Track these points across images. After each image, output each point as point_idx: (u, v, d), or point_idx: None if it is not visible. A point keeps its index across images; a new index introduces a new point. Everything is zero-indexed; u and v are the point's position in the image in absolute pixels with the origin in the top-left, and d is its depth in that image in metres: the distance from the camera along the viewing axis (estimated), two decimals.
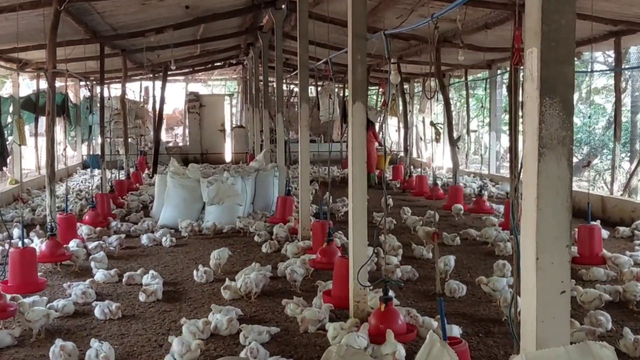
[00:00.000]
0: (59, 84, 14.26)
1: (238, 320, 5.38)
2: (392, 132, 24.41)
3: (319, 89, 18.14)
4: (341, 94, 21.40)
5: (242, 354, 4.64)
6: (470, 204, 11.77)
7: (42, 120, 13.32)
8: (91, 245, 8.29)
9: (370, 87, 22.25)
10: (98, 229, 9.57)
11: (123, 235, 8.90)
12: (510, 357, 3.96)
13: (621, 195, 11.12)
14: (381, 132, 18.29)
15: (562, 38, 2.98)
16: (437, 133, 15.39)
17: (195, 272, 7.10)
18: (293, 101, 21.96)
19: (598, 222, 8.25)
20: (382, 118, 19.28)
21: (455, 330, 4.89)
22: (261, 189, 11.75)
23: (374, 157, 15.85)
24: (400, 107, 19.02)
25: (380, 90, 22.03)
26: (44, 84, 13.72)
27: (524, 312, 3.15)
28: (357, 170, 5.53)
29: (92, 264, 7.39)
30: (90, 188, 13.86)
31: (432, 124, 16.16)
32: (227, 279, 6.54)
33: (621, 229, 9.32)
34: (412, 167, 17.89)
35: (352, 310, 5.42)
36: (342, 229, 9.05)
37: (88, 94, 19.05)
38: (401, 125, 20.31)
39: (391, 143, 23.61)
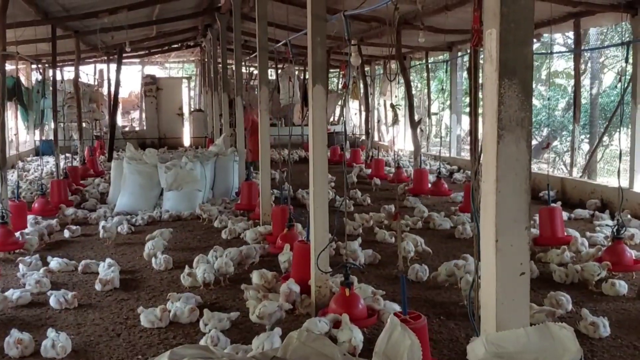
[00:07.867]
0: (9, 67, 13.74)
1: (198, 307, 5.31)
2: (352, 115, 24.44)
3: (279, 71, 17.92)
4: (302, 77, 21.26)
5: (202, 342, 4.56)
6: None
7: None
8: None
9: (330, 70, 22.13)
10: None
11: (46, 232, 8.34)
12: (471, 339, 3.98)
13: (580, 176, 11.28)
14: (342, 117, 18.25)
15: (521, 19, 2.97)
16: (395, 114, 15.41)
17: (154, 259, 6.96)
18: (252, 84, 21.69)
19: (559, 204, 8.35)
20: (343, 101, 19.25)
21: None
22: (221, 174, 11.56)
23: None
24: (361, 90, 19.03)
25: (341, 72, 21.96)
26: None
27: (484, 294, 3.16)
28: (318, 153, 5.46)
29: (20, 267, 6.66)
30: (41, 175, 13.43)
31: (391, 106, 16.17)
32: (187, 266, 6.42)
33: (579, 210, 9.47)
34: (373, 150, 17.89)
35: (314, 295, 5.38)
36: (303, 213, 8.99)
37: (40, 77, 18.45)
38: (362, 108, 20.30)
39: (353, 126, 23.58)
